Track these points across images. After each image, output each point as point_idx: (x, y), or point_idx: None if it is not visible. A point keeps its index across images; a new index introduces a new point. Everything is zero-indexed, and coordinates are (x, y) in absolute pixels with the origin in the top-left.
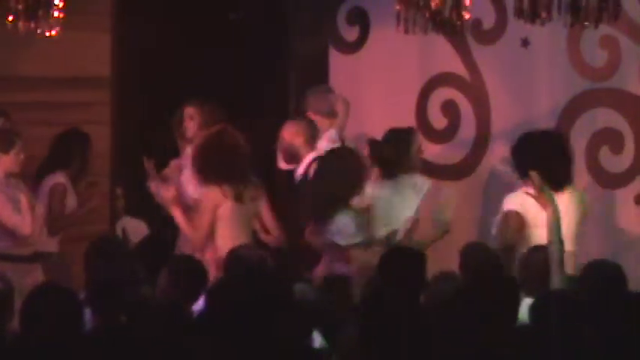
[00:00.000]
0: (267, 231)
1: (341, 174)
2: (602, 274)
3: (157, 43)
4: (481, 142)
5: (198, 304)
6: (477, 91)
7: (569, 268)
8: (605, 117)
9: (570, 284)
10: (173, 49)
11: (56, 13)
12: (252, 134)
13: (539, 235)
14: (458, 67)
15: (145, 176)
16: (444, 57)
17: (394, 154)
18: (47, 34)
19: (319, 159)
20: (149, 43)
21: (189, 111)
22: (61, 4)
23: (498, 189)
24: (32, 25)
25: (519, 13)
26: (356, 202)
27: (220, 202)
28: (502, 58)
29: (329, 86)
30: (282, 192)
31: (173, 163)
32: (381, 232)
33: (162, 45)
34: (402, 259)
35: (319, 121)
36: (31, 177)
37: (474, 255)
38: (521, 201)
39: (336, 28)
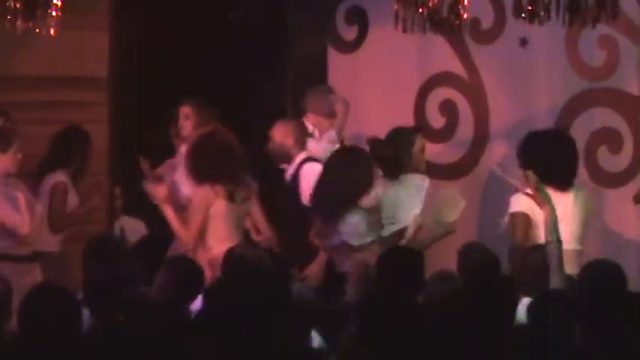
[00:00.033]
0: (258, 231)
1: (351, 173)
2: (602, 274)
3: (155, 42)
4: (479, 141)
5: (196, 304)
6: (475, 91)
7: (577, 267)
8: (604, 117)
9: (572, 283)
10: (171, 49)
11: (54, 13)
12: (251, 133)
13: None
14: (456, 67)
15: (142, 176)
16: (443, 56)
17: (395, 154)
18: (45, 33)
19: (328, 159)
20: (147, 42)
21: (185, 110)
22: (59, 4)
23: (496, 188)
24: (30, 24)
25: (518, 12)
26: (364, 201)
27: (212, 202)
28: (500, 57)
29: (329, 86)
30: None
31: (167, 162)
32: (390, 230)
33: (160, 44)
34: (400, 259)
35: (319, 121)
36: (31, 176)
37: (472, 255)
38: (527, 201)
39: (334, 27)
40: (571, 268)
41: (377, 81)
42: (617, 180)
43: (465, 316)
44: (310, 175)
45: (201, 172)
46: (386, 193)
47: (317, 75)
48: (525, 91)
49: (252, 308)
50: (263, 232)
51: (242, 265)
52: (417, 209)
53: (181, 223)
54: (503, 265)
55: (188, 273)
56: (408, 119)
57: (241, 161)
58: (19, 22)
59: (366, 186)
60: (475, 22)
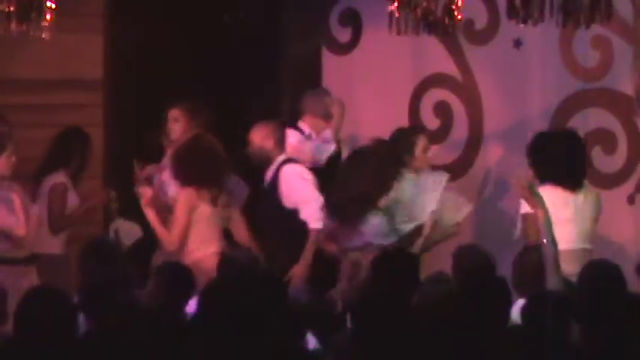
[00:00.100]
0: (240, 240)
1: (370, 174)
2: (601, 275)
3: (150, 44)
4: (474, 142)
5: (191, 307)
6: (470, 92)
7: None
8: (598, 117)
9: (569, 285)
10: (166, 51)
11: (48, 16)
12: (245, 135)
13: (556, 233)
14: (450, 68)
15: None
16: (437, 58)
17: (397, 154)
18: (40, 36)
19: (345, 161)
20: (142, 44)
21: (174, 113)
22: (53, 6)
23: (491, 190)
24: (24, 27)
25: (512, 13)
26: (383, 201)
27: (196, 204)
28: (494, 58)
29: (325, 89)
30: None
31: (156, 164)
32: (408, 227)
33: (155, 46)
34: (394, 260)
35: (316, 123)
36: (27, 178)
37: (467, 257)
38: None
39: (328, 29)
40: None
41: (371, 82)
42: (612, 181)
43: (460, 317)
44: (290, 177)
45: (186, 175)
46: (402, 192)
47: (312, 77)
48: (519, 91)
49: (248, 310)
50: (243, 239)
51: (237, 267)
52: (433, 205)
53: (164, 226)
54: (499, 266)
55: (178, 278)
56: (402, 121)
57: (224, 167)
58: (13, 25)
59: (386, 186)
60: (469, 23)
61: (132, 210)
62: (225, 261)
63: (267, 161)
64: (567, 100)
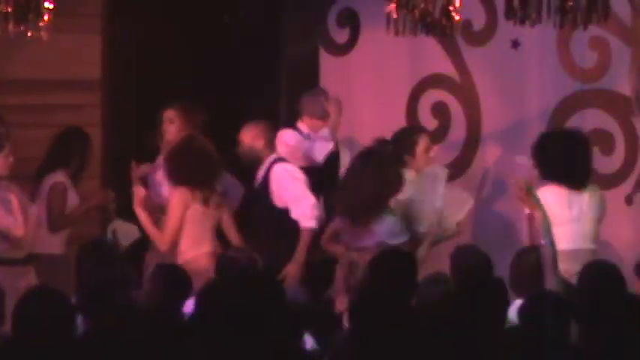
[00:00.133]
0: (230, 241)
1: (381, 174)
2: (601, 275)
3: (148, 44)
4: (472, 143)
5: (188, 307)
6: (468, 93)
7: None
8: (596, 118)
9: (567, 286)
10: (164, 51)
11: (46, 17)
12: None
13: (561, 232)
14: (448, 69)
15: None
16: (434, 58)
17: (397, 153)
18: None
19: (353, 161)
20: (140, 44)
21: (169, 114)
22: (51, 7)
23: (489, 190)
24: (22, 28)
25: (509, 14)
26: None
27: (189, 204)
28: (492, 59)
29: (322, 89)
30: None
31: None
32: (422, 227)
33: (153, 47)
34: (392, 261)
35: (314, 124)
36: (26, 179)
37: (465, 257)
38: (542, 201)
39: (326, 29)
40: None
41: (369, 83)
42: (610, 181)
43: (458, 318)
44: (281, 176)
45: (178, 175)
46: (409, 191)
47: (309, 77)
48: (517, 92)
49: (246, 310)
50: (233, 240)
51: (235, 267)
52: (438, 202)
53: (156, 226)
54: (497, 266)
55: (175, 280)
56: (400, 121)
57: (216, 167)
58: (10, 26)
59: (398, 185)
60: (467, 24)
61: (130, 211)
62: (224, 261)
63: (257, 161)
64: (565, 100)
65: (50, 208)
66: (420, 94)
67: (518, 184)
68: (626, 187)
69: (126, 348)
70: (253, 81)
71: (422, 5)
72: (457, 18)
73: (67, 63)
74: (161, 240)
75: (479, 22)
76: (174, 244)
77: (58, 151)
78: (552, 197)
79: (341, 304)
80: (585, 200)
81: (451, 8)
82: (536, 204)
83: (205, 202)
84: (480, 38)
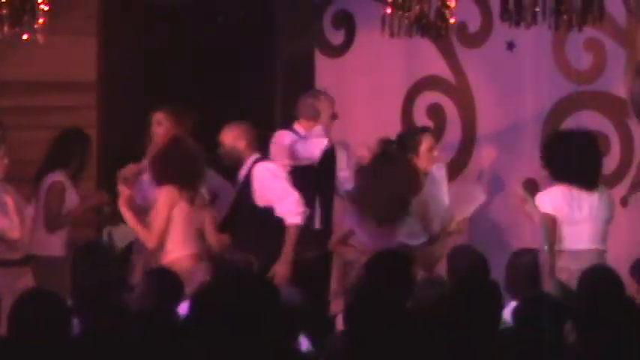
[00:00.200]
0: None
1: (402, 175)
2: (600, 279)
3: (143, 46)
4: (467, 145)
5: (182, 308)
6: (463, 94)
7: None
8: (591, 119)
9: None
10: (159, 52)
11: (41, 19)
12: None
13: (572, 232)
14: (443, 71)
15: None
16: (430, 60)
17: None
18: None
19: (372, 164)
20: (135, 46)
21: (158, 116)
22: (46, 9)
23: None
24: (17, 30)
25: (504, 16)
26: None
27: (176, 202)
28: (487, 61)
29: (313, 89)
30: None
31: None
32: (436, 226)
33: (148, 48)
34: (388, 262)
35: (309, 125)
36: (22, 181)
37: (461, 258)
38: (552, 201)
39: (321, 31)
40: None
41: (364, 85)
42: (605, 183)
43: (454, 320)
44: (263, 175)
45: (165, 174)
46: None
47: (304, 79)
48: (512, 94)
49: (241, 311)
50: (211, 241)
51: (231, 268)
52: (445, 199)
53: (142, 224)
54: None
55: (167, 282)
56: (395, 123)
57: (202, 169)
58: (6, 28)
59: (418, 186)
60: (462, 25)
61: None
62: (219, 262)
63: (238, 162)
64: (560, 102)
65: (47, 207)
66: (415, 96)
67: (521, 195)
68: (622, 188)
69: (121, 349)
70: (249, 83)
71: (417, 7)
72: (452, 20)
73: (62, 65)
74: (148, 237)
75: (474, 24)
76: (162, 241)
77: (57, 152)
78: (563, 197)
79: (336, 306)
80: (595, 200)
81: (446, 10)
82: (535, 210)
83: (191, 202)
84: (475, 40)
